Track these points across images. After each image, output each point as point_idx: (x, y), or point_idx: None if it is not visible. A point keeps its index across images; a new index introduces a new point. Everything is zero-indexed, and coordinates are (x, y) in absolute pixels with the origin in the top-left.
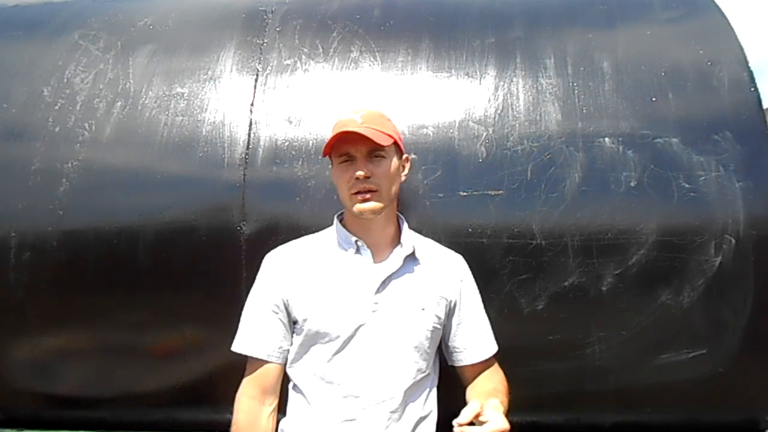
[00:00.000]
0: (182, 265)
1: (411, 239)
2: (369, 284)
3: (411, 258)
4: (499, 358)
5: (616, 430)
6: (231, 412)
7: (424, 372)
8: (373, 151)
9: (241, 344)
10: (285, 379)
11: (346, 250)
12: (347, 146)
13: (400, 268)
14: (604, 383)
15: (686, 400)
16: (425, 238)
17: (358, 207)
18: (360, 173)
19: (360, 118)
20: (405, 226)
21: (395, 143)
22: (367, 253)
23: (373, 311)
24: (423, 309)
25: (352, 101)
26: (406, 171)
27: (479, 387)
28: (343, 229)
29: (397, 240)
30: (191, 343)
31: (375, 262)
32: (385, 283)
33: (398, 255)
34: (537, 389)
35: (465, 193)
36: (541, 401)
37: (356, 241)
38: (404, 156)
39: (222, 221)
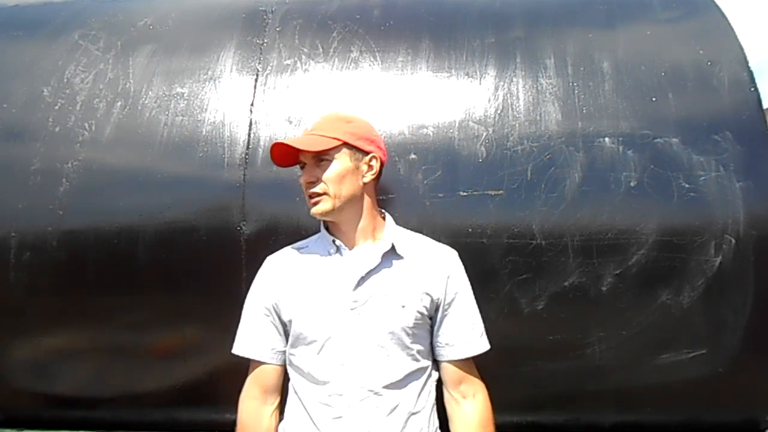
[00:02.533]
0: (182, 265)
1: (394, 235)
2: (347, 283)
3: (392, 254)
4: (499, 358)
5: (616, 430)
6: (231, 412)
7: (410, 368)
8: (318, 155)
9: (238, 346)
10: (286, 381)
11: (329, 252)
12: (300, 154)
13: (378, 264)
14: (604, 383)
15: (686, 400)
16: (415, 234)
17: (311, 211)
18: (302, 179)
19: (312, 126)
20: (389, 223)
21: (346, 144)
22: (346, 252)
23: (352, 309)
24: (403, 306)
25: (352, 101)
26: (374, 171)
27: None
28: (325, 232)
29: (380, 237)
30: (191, 343)
31: (354, 260)
32: (363, 280)
33: (376, 251)
34: (537, 389)
35: (465, 193)
36: (541, 401)
37: (334, 241)
38: (369, 155)
39: (222, 221)
